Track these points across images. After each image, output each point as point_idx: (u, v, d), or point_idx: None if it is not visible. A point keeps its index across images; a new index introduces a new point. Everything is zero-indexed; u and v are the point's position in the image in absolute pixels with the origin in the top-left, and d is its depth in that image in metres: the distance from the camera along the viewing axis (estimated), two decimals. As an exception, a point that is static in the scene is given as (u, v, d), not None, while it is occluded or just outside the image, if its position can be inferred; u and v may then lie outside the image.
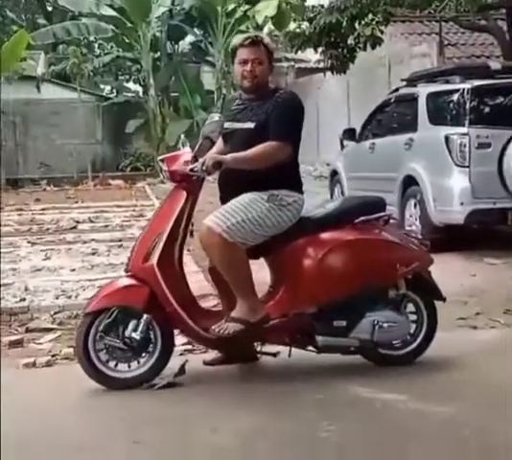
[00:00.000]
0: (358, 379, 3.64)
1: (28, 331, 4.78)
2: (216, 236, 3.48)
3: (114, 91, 24.28)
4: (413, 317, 3.85)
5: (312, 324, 3.63)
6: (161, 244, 3.56)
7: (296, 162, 3.74)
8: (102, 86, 24.84)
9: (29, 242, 8.34)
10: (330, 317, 3.64)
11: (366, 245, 3.73)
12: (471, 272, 6.25)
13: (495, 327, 4.64)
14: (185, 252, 3.89)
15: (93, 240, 8.47)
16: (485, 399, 3.38)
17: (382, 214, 3.81)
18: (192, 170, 3.52)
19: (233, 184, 3.64)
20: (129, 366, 3.61)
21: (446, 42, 13.48)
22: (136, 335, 3.52)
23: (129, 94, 22.02)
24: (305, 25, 11.88)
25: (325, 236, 3.68)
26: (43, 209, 12.08)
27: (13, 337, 4.57)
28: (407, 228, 7.44)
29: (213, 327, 3.53)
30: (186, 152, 3.69)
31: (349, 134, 9.34)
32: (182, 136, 4.21)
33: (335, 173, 10.07)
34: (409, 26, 15.19)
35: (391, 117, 8.60)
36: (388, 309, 3.73)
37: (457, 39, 14.44)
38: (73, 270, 6.61)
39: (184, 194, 3.63)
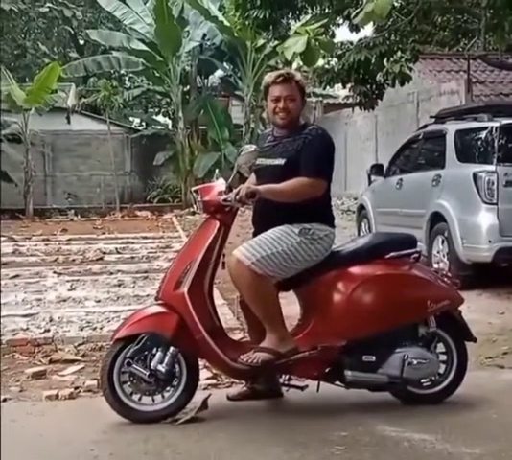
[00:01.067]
0: (385, 416, 3.62)
1: (51, 362, 4.81)
2: (245, 268, 3.52)
3: (143, 123, 24.64)
4: (443, 357, 3.82)
5: (340, 358, 3.62)
6: (192, 273, 3.60)
7: (328, 197, 3.77)
8: (131, 119, 25.24)
9: (55, 273, 8.41)
10: (359, 352, 3.63)
11: (397, 281, 3.74)
12: (499, 310, 6.20)
13: (523, 367, 4.59)
14: (211, 284, 3.91)
15: (119, 271, 8.53)
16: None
17: (412, 250, 3.82)
18: (226, 200, 3.58)
19: (267, 217, 3.69)
20: (154, 400, 3.62)
21: (474, 80, 13.53)
22: (162, 368, 3.52)
23: (158, 127, 22.32)
24: (334, 61, 11.99)
25: (355, 270, 3.69)
26: (70, 239, 12.20)
27: (37, 369, 4.59)
28: (435, 266, 7.41)
29: (242, 356, 3.54)
30: (220, 183, 3.76)
31: (377, 170, 9.39)
32: (217, 171, 4.29)
33: (362, 208, 10.10)
34: (438, 63, 15.27)
35: (419, 153, 8.63)
36: (418, 346, 3.72)
37: (485, 77, 14.48)
38: (98, 301, 6.65)
39: (217, 223, 3.67)
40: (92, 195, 20.17)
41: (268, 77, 3.79)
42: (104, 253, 10.23)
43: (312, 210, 3.66)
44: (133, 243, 11.40)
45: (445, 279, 3.91)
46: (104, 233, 13.55)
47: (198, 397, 3.70)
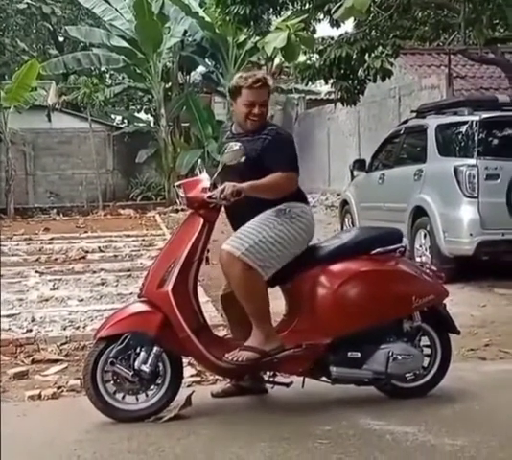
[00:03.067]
0: (368, 410, 3.65)
1: (34, 362, 4.80)
2: (236, 260, 3.53)
3: (125, 121, 24.54)
4: (427, 350, 3.85)
5: (325, 354, 3.64)
6: (176, 271, 3.59)
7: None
8: (113, 116, 25.11)
9: (37, 272, 8.38)
10: (344, 348, 3.66)
11: (382, 277, 3.75)
12: (481, 303, 6.26)
13: (504, 358, 4.65)
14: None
15: (102, 269, 8.52)
16: (494, 431, 3.38)
17: (398, 245, 3.83)
18: (210, 197, 3.58)
19: (240, 210, 3.68)
20: (137, 398, 3.62)
21: (455, 74, 13.62)
22: (146, 368, 3.52)
23: (140, 124, 22.24)
24: (315, 57, 12.03)
25: (341, 266, 3.70)
26: (52, 238, 12.15)
27: (19, 369, 4.58)
28: (418, 260, 7.47)
29: (227, 355, 3.55)
30: (204, 179, 3.74)
31: (359, 165, 9.43)
32: (199, 161, 4.28)
33: (345, 203, 10.14)
34: (419, 58, 15.35)
35: (401, 148, 8.67)
36: (403, 341, 3.75)
37: (466, 72, 14.58)
38: (81, 300, 6.64)
39: (201, 220, 3.66)
40: (74, 194, 20.10)
41: (242, 80, 3.74)
42: (87, 252, 10.21)
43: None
44: (116, 242, 11.37)
45: (430, 273, 3.92)
46: (86, 232, 13.50)
47: (183, 394, 3.71)
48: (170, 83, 21.50)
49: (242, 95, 3.73)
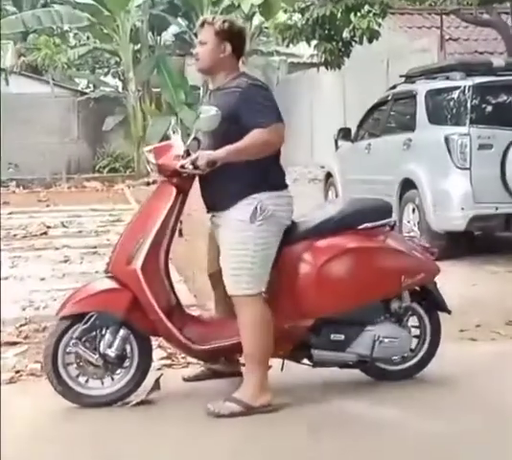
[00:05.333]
0: (353, 394, 3.68)
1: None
2: (248, 301, 3.47)
3: (91, 85, 24.30)
4: (416, 330, 3.87)
5: (307, 336, 3.63)
6: (146, 247, 3.53)
7: (276, 154, 3.61)
8: (77, 80, 24.84)
9: (-6, 249, 8.34)
10: (327, 330, 3.64)
11: (369, 255, 3.70)
12: (472, 281, 6.31)
13: (495, 339, 4.71)
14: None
15: (65, 246, 8.48)
16: (484, 414, 3.43)
17: (387, 220, 3.80)
18: (183, 166, 3.47)
19: (214, 191, 3.58)
20: (103, 383, 3.61)
21: (447, 37, 13.59)
22: (111, 352, 3.50)
23: (107, 89, 22.06)
24: (297, 16, 11.95)
25: (325, 243, 3.64)
26: (11, 213, 12.04)
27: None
28: (406, 234, 7.51)
29: (208, 405, 3.46)
30: (177, 145, 3.64)
31: (344, 134, 9.42)
32: (172, 121, 4.18)
33: (329, 176, 10.14)
34: (409, 19, 15.29)
35: (388, 116, 8.67)
36: (390, 322, 3.74)
37: (459, 34, 14.54)
38: (42, 279, 6.62)
39: (173, 190, 3.58)
40: (36, 165, 19.89)
41: None
42: (49, 227, 10.15)
43: (258, 174, 3.51)
44: (81, 217, 11.31)
45: (421, 249, 3.90)
46: (48, 205, 13.41)
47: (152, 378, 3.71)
48: (139, 45, 21.28)
49: None
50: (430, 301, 3.91)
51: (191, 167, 3.43)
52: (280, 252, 3.60)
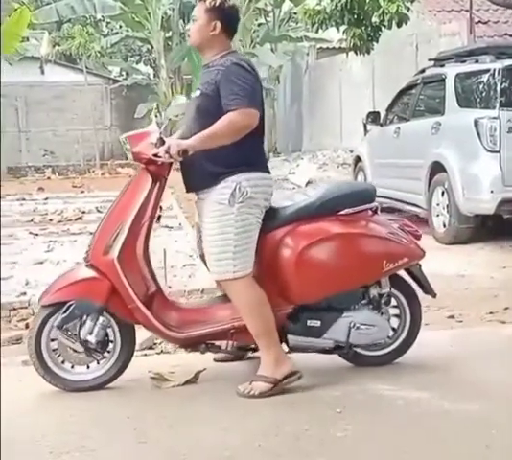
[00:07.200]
0: (378, 375, 3.65)
1: (28, 327, 4.82)
2: (234, 282, 3.45)
3: (123, 73, 24.34)
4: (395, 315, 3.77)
5: (283, 322, 3.56)
6: (123, 237, 3.48)
7: (258, 136, 3.54)
8: (110, 68, 24.91)
9: (31, 234, 8.41)
10: (304, 316, 3.58)
11: (349, 240, 3.61)
12: (502, 264, 6.25)
13: (525, 322, 4.66)
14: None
15: (99, 231, 8.51)
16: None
17: (368, 205, 3.68)
18: (156, 155, 3.40)
19: (193, 173, 3.54)
20: (88, 367, 3.59)
21: (477, 20, 13.38)
22: (92, 339, 3.48)
23: (139, 76, 22.05)
24: (326, 1, 11.84)
25: (304, 228, 3.56)
26: (47, 198, 12.17)
27: (13, 333, 4.62)
28: (435, 219, 7.44)
29: (239, 387, 3.46)
30: (153, 131, 3.55)
31: (373, 118, 9.35)
32: (154, 105, 4.07)
33: (358, 160, 10.08)
34: (438, 2, 15.08)
35: (418, 99, 8.57)
36: (368, 308, 3.66)
37: (489, 17, 14.32)
38: (77, 263, 6.65)
39: (149, 178, 3.52)
40: (70, 152, 20.04)
41: None
42: (84, 212, 10.22)
43: (237, 155, 3.44)
44: (115, 202, 11.33)
45: (405, 232, 3.76)
46: (83, 191, 13.51)
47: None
48: (170, 32, 21.24)
49: None
50: (408, 285, 3.77)
51: (166, 155, 3.34)
52: (261, 237, 3.53)
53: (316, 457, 2.84)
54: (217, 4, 3.54)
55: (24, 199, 12.21)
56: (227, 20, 3.58)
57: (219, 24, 3.54)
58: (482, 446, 2.90)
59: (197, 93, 3.57)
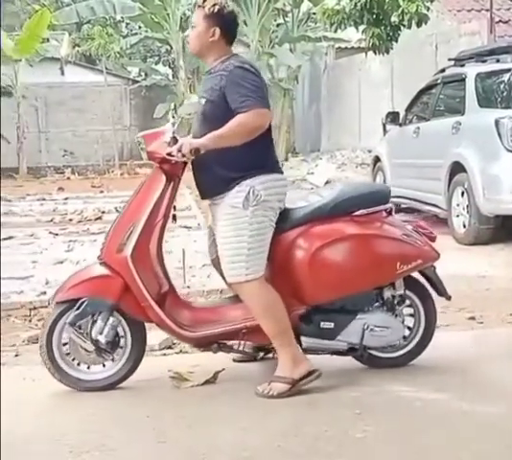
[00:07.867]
0: (396, 377, 3.63)
1: (48, 326, 4.84)
2: (247, 285, 3.44)
3: (142, 74, 24.42)
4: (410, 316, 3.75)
5: (297, 324, 3.55)
6: (136, 235, 3.48)
7: (267, 138, 3.53)
8: (129, 69, 25.00)
9: (51, 233, 8.45)
10: (317, 318, 3.57)
11: (363, 242, 3.59)
12: (522, 265, 6.20)
13: (547, 324, 4.62)
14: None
15: (118, 230, 8.53)
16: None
17: (382, 207, 3.67)
18: (169, 154, 3.40)
19: (205, 176, 3.54)
20: (98, 368, 3.59)
21: (497, 19, 13.31)
22: (102, 339, 3.48)
23: (158, 77, 22.10)
24: (345, 1, 11.82)
25: (318, 230, 3.55)
26: (66, 198, 12.23)
27: (33, 333, 4.63)
28: (455, 220, 7.40)
29: (258, 387, 3.46)
30: (168, 130, 3.56)
31: (392, 118, 9.32)
32: (171, 105, 4.10)
33: (377, 160, 10.04)
34: (458, 2, 15.02)
35: (437, 99, 8.53)
36: (382, 310, 3.64)
37: (510, 16, 14.25)
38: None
39: (163, 177, 3.52)
40: (90, 152, 20.14)
41: None
42: (103, 212, 10.24)
43: (249, 159, 3.44)
44: (134, 202, 11.36)
45: (420, 234, 3.73)
46: (102, 191, 13.56)
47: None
48: (189, 33, 21.29)
49: None
50: (424, 287, 3.74)
51: (179, 154, 3.35)
52: (275, 238, 3.52)
53: (336, 458, 2.84)
54: (215, 10, 3.52)
55: (44, 199, 12.28)
56: (226, 26, 3.56)
57: (218, 30, 3.53)
58: (502, 446, 2.88)
59: (202, 101, 3.56)
